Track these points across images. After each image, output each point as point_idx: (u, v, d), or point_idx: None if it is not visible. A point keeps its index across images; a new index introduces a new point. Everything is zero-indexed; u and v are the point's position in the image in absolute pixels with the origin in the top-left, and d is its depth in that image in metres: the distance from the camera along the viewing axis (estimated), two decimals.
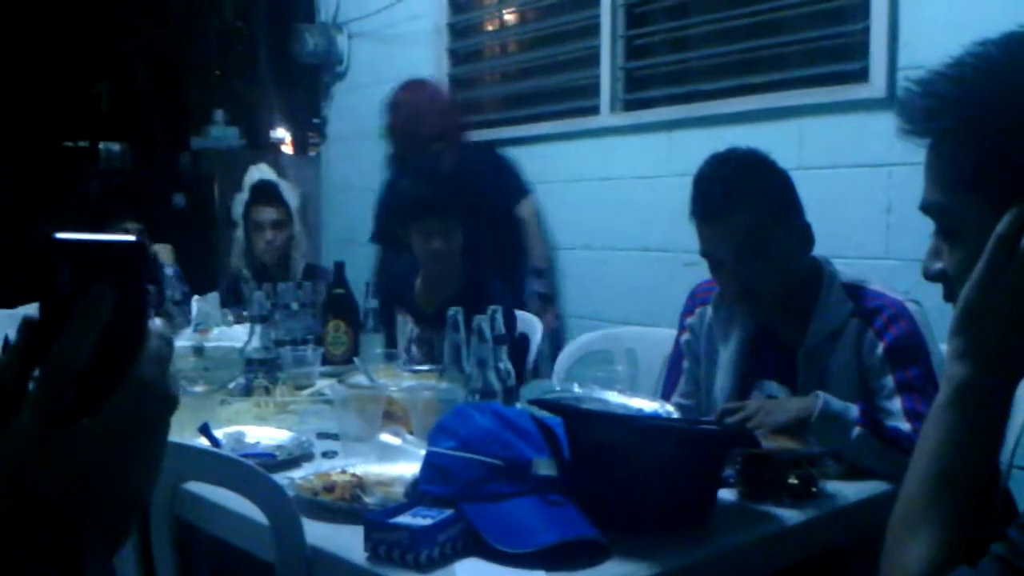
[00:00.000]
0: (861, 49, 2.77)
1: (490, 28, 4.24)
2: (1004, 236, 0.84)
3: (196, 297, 3.26)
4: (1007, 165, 0.85)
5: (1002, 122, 0.85)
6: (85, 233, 0.53)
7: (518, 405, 1.81)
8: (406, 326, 2.70)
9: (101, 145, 7.45)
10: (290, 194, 3.55)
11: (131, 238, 0.54)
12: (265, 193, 3.49)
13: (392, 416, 1.91)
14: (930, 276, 0.95)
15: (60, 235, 0.52)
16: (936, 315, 1.66)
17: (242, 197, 3.56)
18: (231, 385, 2.29)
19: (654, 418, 1.69)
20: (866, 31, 2.74)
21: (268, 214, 3.45)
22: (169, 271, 3.40)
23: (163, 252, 3.71)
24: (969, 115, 0.87)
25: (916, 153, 0.96)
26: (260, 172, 3.71)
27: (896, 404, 1.73)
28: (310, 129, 5.58)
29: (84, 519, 0.51)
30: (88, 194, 6.53)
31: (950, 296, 0.92)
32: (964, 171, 0.88)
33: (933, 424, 0.89)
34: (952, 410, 0.87)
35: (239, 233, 3.56)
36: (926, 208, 0.93)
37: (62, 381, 0.51)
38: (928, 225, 0.96)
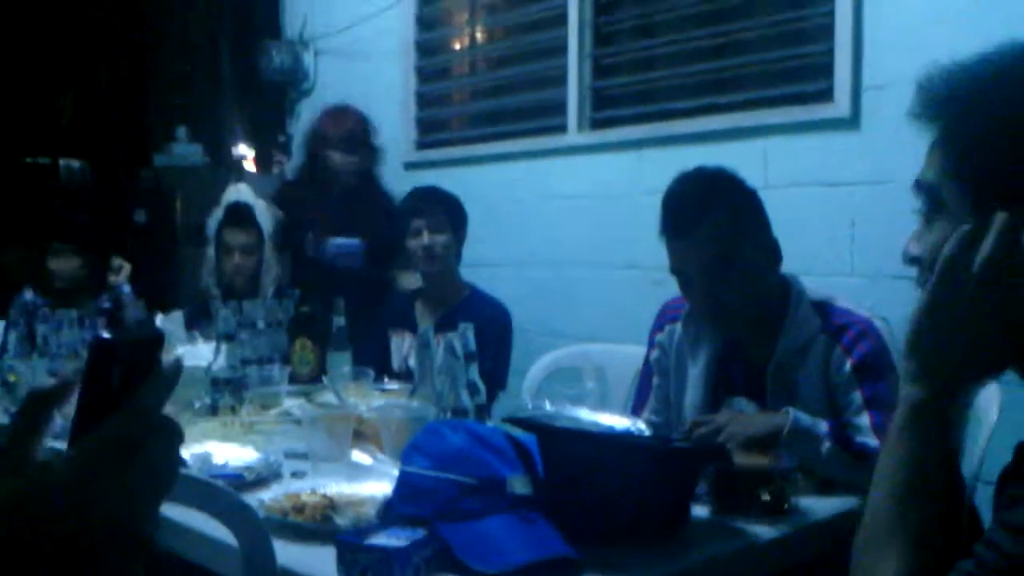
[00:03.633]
0: (825, 70, 2.81)
1: (458, 46, 4.25)
2: (951, 259, 0.84)
3: (160, 316, 3.21)
4: (996, 166, 0.86)
5: (1004, 125, 0.86)
6: (122, 335, 0.62)
7: (490, 422, 1.80)
8: (402, 344, 2.70)
9: (61, 162, 7.35)
10: (264, 218, 3.49)
11: (157, 333, 0.64)
12: (237, 216, 3.43)
13: (362, 435, 1.89)
14: (906, 259, 0.96)
15: (103, 336, 0.60)
16: (902, 331, 1.68)
17: (217, 214, 3.52)
18: (197, 405, 2.26)
19: (627, 435, 1.70)
20: (830, 52, 2.78)
21: (238, 238, 3.37)
22: (127, 289, 3.35)
23: (124, 271, 3.64)
24: (976, 109, 0.88)
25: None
26: (238, 193, 3.68)
27: (864, 420, 1.75)
28: (275, 147, 5.55)
29: (91, 549, 0.51)
30: (49, 211, 6.44)
31: (922, 281, 0.92)
32: (958, 159, 0.89)
33: (891, 446, 0.89)
34: (908, 432, 0.88)
35: (210, 251, 3.51)
36: (918, 184, 0.94)
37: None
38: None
